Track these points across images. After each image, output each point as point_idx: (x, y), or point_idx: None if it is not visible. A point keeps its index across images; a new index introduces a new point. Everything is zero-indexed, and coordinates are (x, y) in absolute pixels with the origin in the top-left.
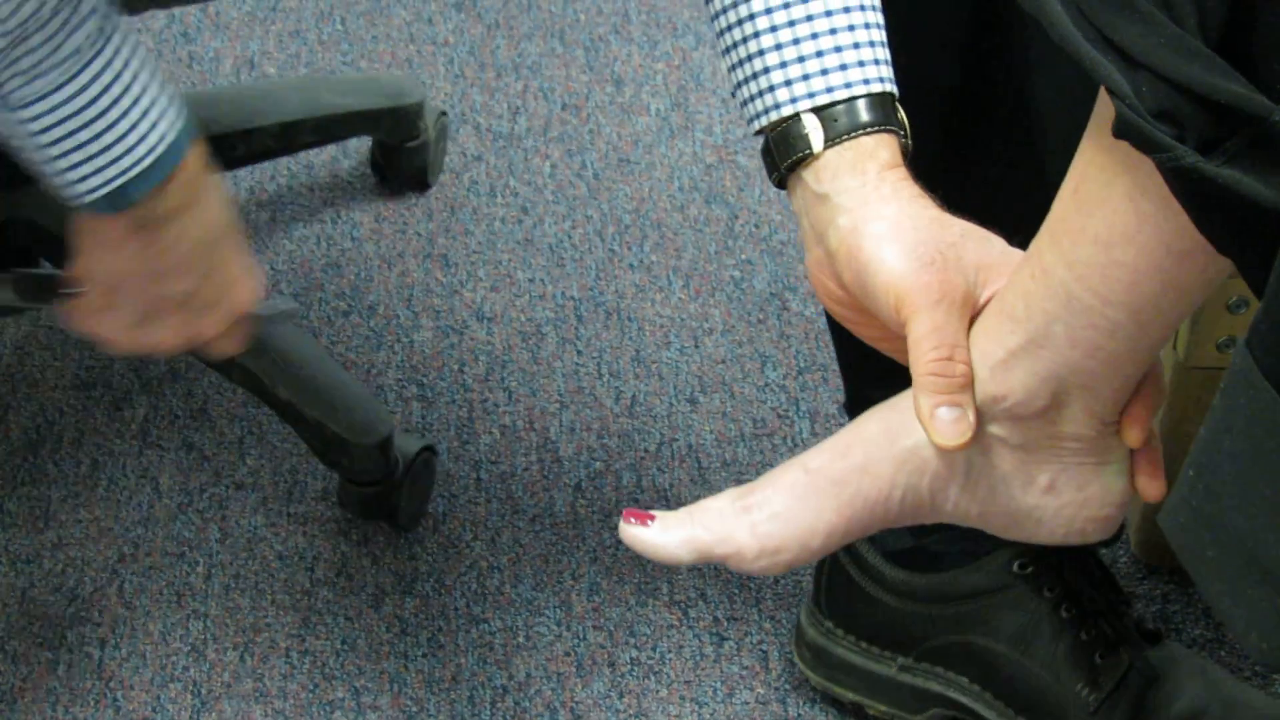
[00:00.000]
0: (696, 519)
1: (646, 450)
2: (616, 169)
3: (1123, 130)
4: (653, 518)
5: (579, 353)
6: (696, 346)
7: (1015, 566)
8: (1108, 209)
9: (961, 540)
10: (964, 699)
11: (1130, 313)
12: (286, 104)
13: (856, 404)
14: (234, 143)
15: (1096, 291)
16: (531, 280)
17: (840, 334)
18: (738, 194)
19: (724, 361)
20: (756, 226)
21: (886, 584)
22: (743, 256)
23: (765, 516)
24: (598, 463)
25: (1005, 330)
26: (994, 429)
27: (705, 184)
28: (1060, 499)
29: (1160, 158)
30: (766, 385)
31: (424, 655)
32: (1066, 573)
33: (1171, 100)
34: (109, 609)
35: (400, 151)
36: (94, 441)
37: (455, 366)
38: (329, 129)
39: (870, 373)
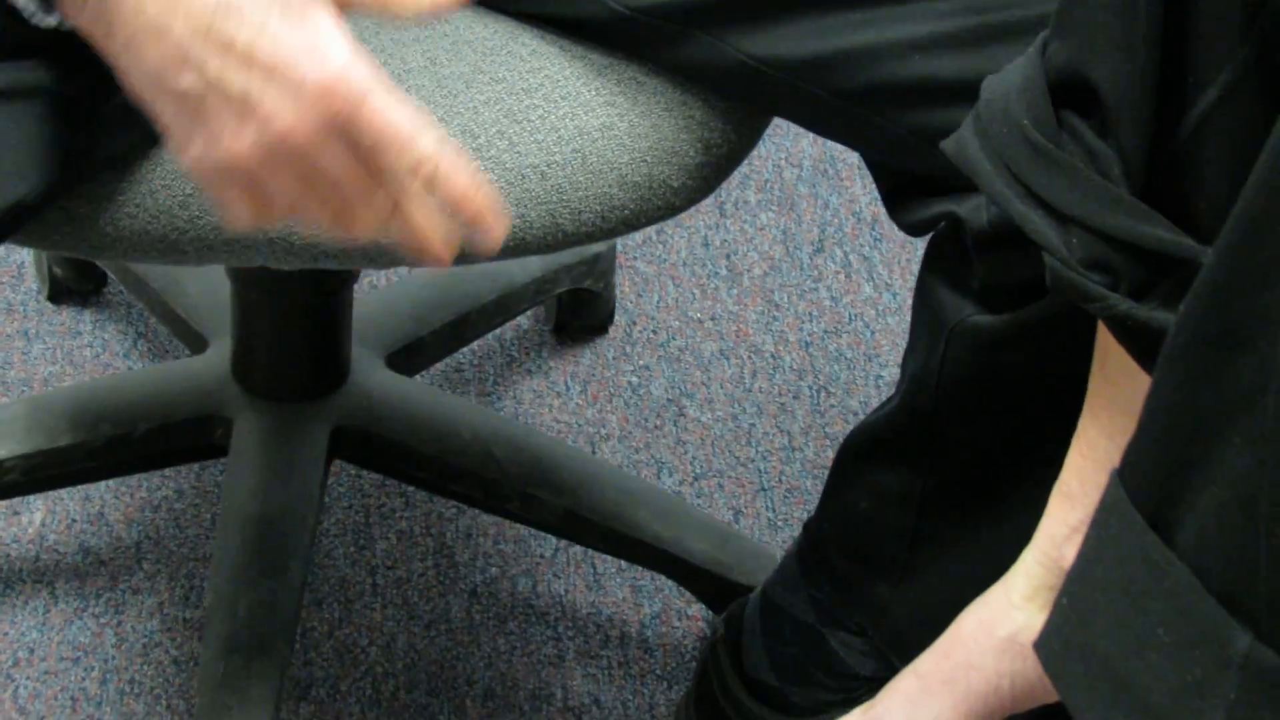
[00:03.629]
0: None
1: (543, 556)
2: None
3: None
4: None
5: None
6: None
7: None
8: (1131, 377)
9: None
10: None
11: None
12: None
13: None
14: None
15: None
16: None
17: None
18: (636, 300)
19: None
20: (654, 333)
21: (742, 713)
22: (640, 363)
23: None
24: (493, 568)
25: (1065, 509)
26: None
27: None
28: None
29: (1094, 307)
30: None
31: None
32: None
33: (1102, 250)
34: (3, 714)
35: None
36: None
37: (352, 471)
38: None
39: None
